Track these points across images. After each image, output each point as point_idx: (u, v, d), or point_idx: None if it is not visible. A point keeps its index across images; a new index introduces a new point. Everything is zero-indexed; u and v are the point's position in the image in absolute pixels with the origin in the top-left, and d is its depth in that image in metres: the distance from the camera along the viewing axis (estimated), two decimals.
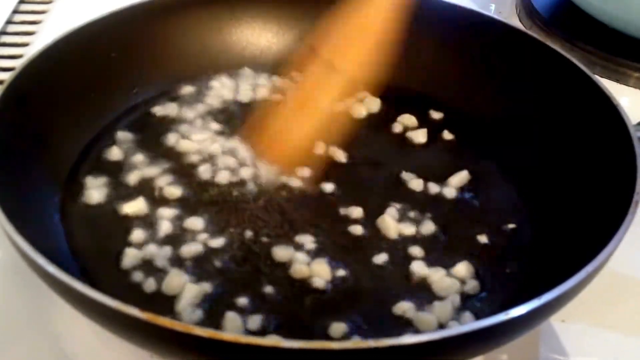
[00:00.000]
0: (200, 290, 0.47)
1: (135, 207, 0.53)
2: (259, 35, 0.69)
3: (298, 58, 0.61)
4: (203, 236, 0.51)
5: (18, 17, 0.82)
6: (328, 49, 0.58)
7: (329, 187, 0.57)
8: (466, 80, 0.66)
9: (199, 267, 0.49)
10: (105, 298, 0.36)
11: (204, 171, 0.57)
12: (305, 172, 0.58)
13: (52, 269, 0.38)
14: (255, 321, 0.45)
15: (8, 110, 0.50)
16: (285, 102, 0.61)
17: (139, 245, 0.50)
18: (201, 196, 0.55)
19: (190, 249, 0.50)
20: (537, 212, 0.55)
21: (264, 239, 0.52)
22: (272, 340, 0.33)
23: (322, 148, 0.60)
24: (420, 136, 0.63)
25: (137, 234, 0.51)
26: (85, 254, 0.49)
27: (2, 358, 0.46)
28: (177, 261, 0.49)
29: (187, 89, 0.66)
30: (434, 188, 0.57)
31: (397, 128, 0.64)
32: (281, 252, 0.50)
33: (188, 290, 0.47)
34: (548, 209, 0.54)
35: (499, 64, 0.64)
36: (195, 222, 0.52)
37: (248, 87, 0.67)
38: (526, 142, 0.60)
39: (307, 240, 0.52)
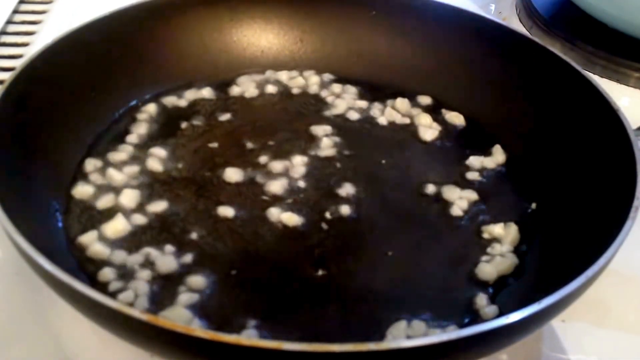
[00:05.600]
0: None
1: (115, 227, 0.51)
2: (260, 36, 0.69)
3: None
4: None
5: (18, 17, 0.82)
6: None
7: None
8: (463, 82, 0.66)
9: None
10: (105, 298, 0.36)
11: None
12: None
13: (51, 268, 0.38)
14: None
15: (8, 110, 0.50)
16: None
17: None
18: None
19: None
20: (537, 215, 0.55)
21: None
22: (274, 342, 0.33)
23: None
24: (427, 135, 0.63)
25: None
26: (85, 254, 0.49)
27: (2, 358, 0.46)
28: None
29: (188, 89, 0.66)
30: (431, 188, 0.58)
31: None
32: None
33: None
34: (548, 213, 0.54)
35: (497, 66, 0.64)
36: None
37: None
38: (525, 145, 0.60)
39: None
